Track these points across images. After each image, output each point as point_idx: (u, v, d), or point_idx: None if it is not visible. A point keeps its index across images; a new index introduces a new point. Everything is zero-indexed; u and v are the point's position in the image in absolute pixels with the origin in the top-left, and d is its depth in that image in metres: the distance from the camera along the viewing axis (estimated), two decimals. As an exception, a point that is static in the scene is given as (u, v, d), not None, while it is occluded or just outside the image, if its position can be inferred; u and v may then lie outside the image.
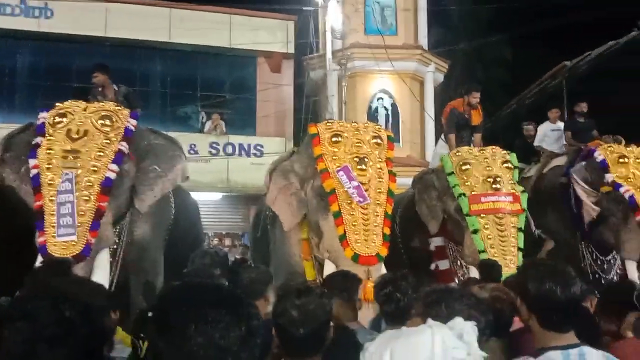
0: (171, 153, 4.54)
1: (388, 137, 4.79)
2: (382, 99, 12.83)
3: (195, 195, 6.39)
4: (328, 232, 4.39)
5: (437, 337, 1.33)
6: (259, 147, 11.22)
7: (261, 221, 5.68)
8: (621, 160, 5.35)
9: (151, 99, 11.49)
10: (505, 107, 13.15)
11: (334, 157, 4.57)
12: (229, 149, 11.16)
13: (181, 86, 11.71)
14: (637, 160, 5.36)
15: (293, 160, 4.93)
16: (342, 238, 4.27)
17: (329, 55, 11.70)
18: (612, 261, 5.48)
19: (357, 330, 2.33)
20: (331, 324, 1.77)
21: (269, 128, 11.77)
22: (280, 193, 4.75)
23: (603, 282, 5.35)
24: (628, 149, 5.53)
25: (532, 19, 14.26)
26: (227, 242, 11.18)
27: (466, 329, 1.38)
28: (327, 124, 4.89)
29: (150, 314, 1.11)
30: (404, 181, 6.16)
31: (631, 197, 5.09)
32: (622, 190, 5.16)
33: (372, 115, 12.33)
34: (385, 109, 12.76)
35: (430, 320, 1.41)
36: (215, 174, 10.88)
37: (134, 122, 4.35)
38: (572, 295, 1.68)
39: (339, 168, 4.49)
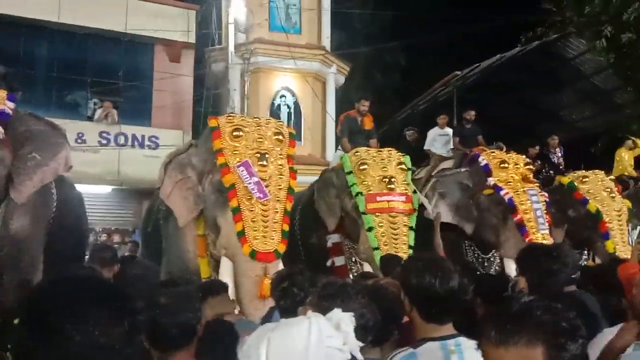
0: (53, 140, 4.19)
1: (290, 134, 4.78)
2: (284, 96, 12.86)
3: (82, 188, 5.96)
4: (226, 228, 4.28)
5: (314, 327, 1.35)
6: (153, 139, 10.73)
7: (153, 216, 5.43)
8: (502, 165, 5.79)
9: (36, 82, 10.58)
10: (400, 112, 13.75)
11: (234, 152, 4.46)
12: (121, 140, 10.56)
13: (70, 70, 10.86)
14: (516, 166, 5.84)
15: (191, 154, 4.75)
16: (241, 234, 4.19)
17: (231, 48, 11.50)
18: (492, 259, 5.93)
19: (237, 322, 2.29)
20: (202, 316, 1.74)
21: (166, 119, 11.29)
22: (176, 187, 4.56)
23: (483, 277, 5.77)
24: (508, 155, 6.02)
25: (428, 28, 15.06)
26: (116, 238, 10.57)
27: (344, 319, 1.42)
28: (228, 117, 4.76)
29: (19, 319, 0.99)
30: (305, 179, 6.21)
31: (510, 199, 5.53)
32: (502, 193, 5.59)
33: (275, 112, 12.32)
34: (288, 106, 12.81)
35: (309, 312, 1.43)
36: (105, 165, 10.24)
37: (11, 105, 3.95)
38: (451, 288, 1.77)
39: (239, 163, 4.39)
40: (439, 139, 7.46)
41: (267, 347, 1.38)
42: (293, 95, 12.84)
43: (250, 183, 4.29)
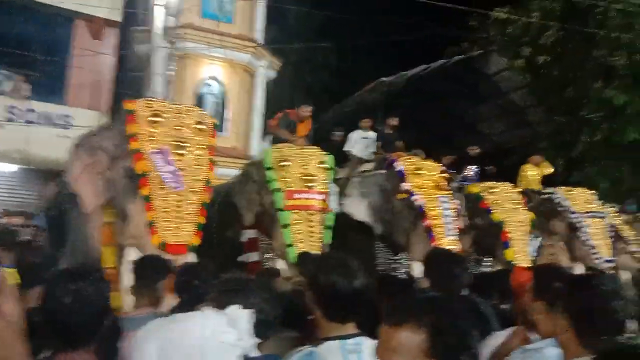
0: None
1: (213, 124, 4.66)
2: (211, 85, 12.57)
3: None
4: (135, 217, 4.11)
5: (208, 323, 1.34)
6: (66, 118, 10.11)
7: (59, 200, 5.11)
8: (417, 171, 5.99)
9: None
10: (328, 112, 13.87)
11: (150, 138, 4.29)
12: (31, 116, 9.86)
13: (-24, 38, 10.02)
14: (430, 173, 6.05)
15: (103, 137, 4.51)
16: (151, 224, 4.04)
17: (157, 30, 11.06)
18: (401, 261, 6.12)
19: (126, 318, 2.19)
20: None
21: (82, 99, 10.66)
22: (85, 171, 4.32)
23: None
24: (424, 162, 6.22)
25: (361, 32, 15.32)
26: (17, 220, 9.84)
27: (241, 315, 1.41)
28: (147, 102, 4.56)
29: None
30: (227, 172, 6.09)
31: (421, 205, 5.73)
32: (414, 198, 5.78)
33: (199, 101, 12.01)
34: (214, 96, 12.52)
35: (205, 308, 1.41)
36: (11, 142, 9.54)
37: None
38: (354, 288, 1.79)
39: (155, 150, 4.23)
40: (361, 142, 7.60)
41: (158, 342, 1.33)
42: (220, 85, 12.58)
43: (164, 172, 4.14)
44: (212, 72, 12.53)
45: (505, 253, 6.57)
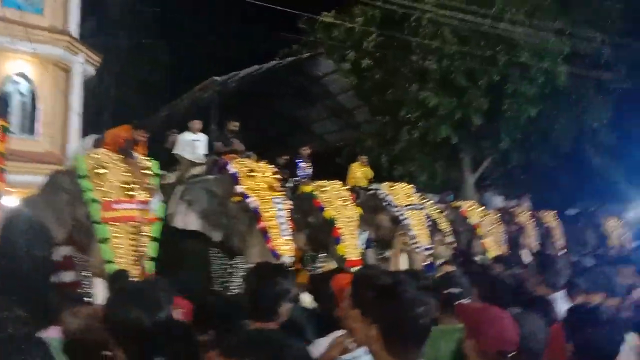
0: None
1: (2, 127, 4.01)
2: (18, 83, 11.07)
3: None
4: None
5: None
6: None
7: None
8: (250, 174, 5.88)
9: None
10: (158, 113, 13.13)
11: None
12: None
13: None
14: (264, 176, 5.99)
15: None
16: None
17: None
18: (237, 265, 5.97)
19: None
20: None
21: None
22: None
23: (228, 284, 5.79)
24: (257, 164, 6.14)
25: (194, 27, 14.83)
26: None
27: None
28: None
29: None
30: (38, 180, 5.33)
31: (256, 207, 5.64)
32: (248, 200, 5.67)
33: (4, 101, 10.48)
34: (22, 94, 11.05)
35: None
36: None
37: None
38: (160, 321, 1.59)
39: None
40: (191, 144, 7.27)
41: None
42: (29, 82, 11.12)
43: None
44: (19, 68, 11.04)
45: (338, 248, 6.82)
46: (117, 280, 3.39)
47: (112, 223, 4.51)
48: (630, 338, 2.53)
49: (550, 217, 13.83)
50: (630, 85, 15.08)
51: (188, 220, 5.61)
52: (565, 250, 13.00)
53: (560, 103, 15.18)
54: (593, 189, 20.49)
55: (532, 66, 13.48)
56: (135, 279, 3.97)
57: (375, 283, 1.69)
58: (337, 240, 6.76)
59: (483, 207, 11.69)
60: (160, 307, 1.56)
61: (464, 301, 2.53)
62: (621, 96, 15.48)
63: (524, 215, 12.63)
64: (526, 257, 11.39)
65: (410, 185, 8.63)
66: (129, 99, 15.46)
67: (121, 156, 4.98)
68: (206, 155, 7.28)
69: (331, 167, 13.74)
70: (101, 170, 4.72)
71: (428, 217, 8.77)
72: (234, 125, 7.37)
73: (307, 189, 7.32)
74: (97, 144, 6.33)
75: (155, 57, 17.30)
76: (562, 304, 3.03)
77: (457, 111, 13.75)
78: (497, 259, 6.97)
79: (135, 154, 5.16)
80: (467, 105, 13.70)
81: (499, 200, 15.26)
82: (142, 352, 1.51)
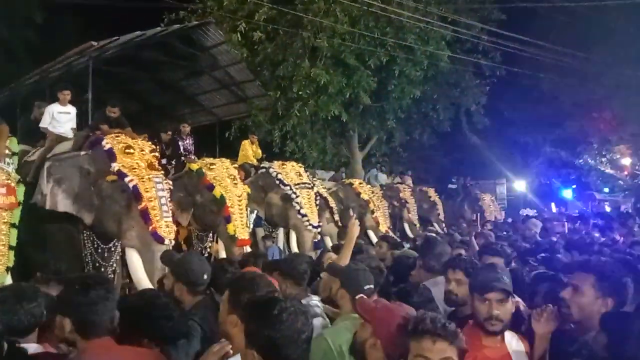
0: None
1: None
2: None
3: None
4: None
5: None
6: None
7: None
8: (127, 150, 5.44)
9: None
10: (26, 77, 11.76)
11: None
12: None
13: None
14: (142, 152, 5.58)
15: None
16: None
17: None
18: (113, 249, 5.55)
19: None
20: None
21: None
22: None
23: (103, 270, 5.38)
24: (134, 140, 5.68)
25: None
26: None
27: None
28: None
29: None
30: None
31: (135, 186, 5.24)
32: (126, 179, 5.25)
33: None
34: None
35: None
36: None
37: None
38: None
39: None
40: (59, 117, 6.52)
41: None
42: None
43: None
44: None
45: (228, 227, 6.63)
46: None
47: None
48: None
49: (430, 193, 14.73)
50: (504, 72, 16.28)
51: (56, 200, 5.07)
52: (444, 223, 13.94)
53: (440, 86, 15.99)
54: (468, 166, 22.20)
55: (417, 49, 13.96)
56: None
57: (251, 300, 1.58)
58: (228, 219, 6.58)
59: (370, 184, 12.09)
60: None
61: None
62: (495, 82, 16.70)
63: (406, 191, 13.30)
64: (410, 230, 12.07)
65: (300, 165, 8.62)
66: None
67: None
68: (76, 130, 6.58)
69: (221, 141, 13.32)
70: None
71: (318, 195, 8.85)
72: (113, 112, 6.55)
73: (194, 166, 7.01)
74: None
75: (29, 14, 15.46)
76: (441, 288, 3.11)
77: (347, 90, 13.92)
78: (383, 238, 7.22)
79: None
80: (356, 85, 13.91)
81: (383, 177, 15.87)
82: None
